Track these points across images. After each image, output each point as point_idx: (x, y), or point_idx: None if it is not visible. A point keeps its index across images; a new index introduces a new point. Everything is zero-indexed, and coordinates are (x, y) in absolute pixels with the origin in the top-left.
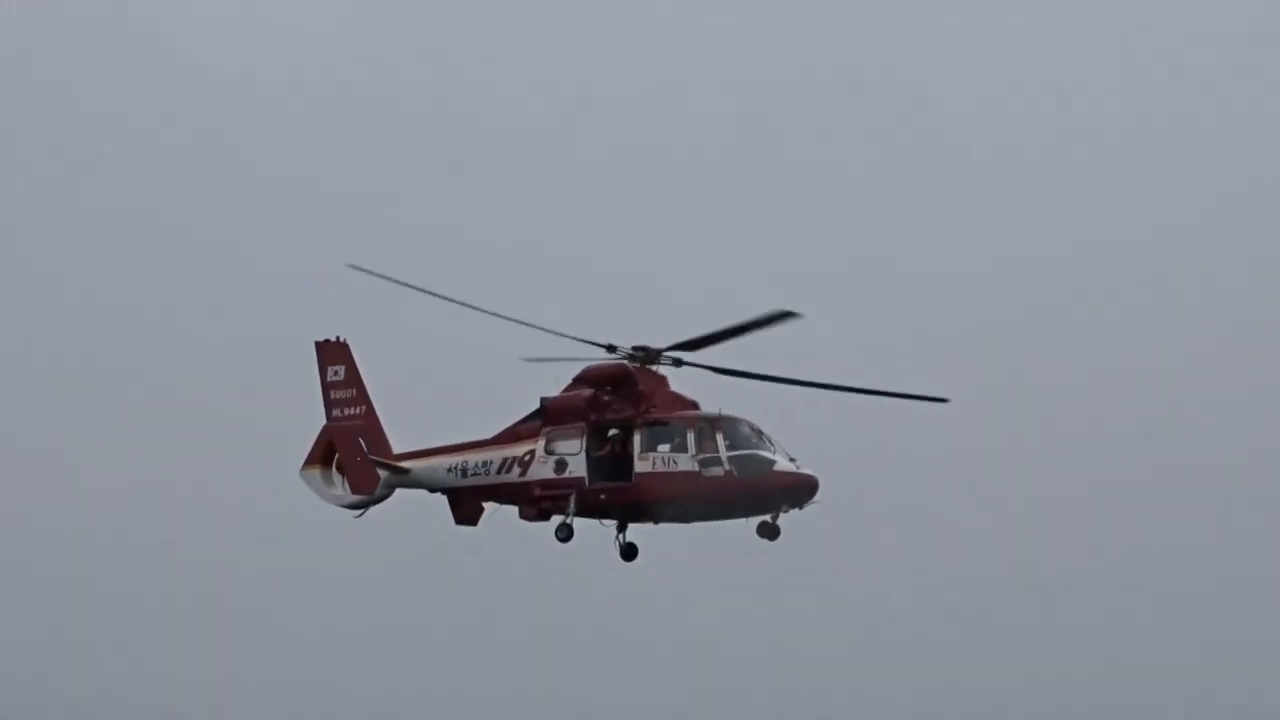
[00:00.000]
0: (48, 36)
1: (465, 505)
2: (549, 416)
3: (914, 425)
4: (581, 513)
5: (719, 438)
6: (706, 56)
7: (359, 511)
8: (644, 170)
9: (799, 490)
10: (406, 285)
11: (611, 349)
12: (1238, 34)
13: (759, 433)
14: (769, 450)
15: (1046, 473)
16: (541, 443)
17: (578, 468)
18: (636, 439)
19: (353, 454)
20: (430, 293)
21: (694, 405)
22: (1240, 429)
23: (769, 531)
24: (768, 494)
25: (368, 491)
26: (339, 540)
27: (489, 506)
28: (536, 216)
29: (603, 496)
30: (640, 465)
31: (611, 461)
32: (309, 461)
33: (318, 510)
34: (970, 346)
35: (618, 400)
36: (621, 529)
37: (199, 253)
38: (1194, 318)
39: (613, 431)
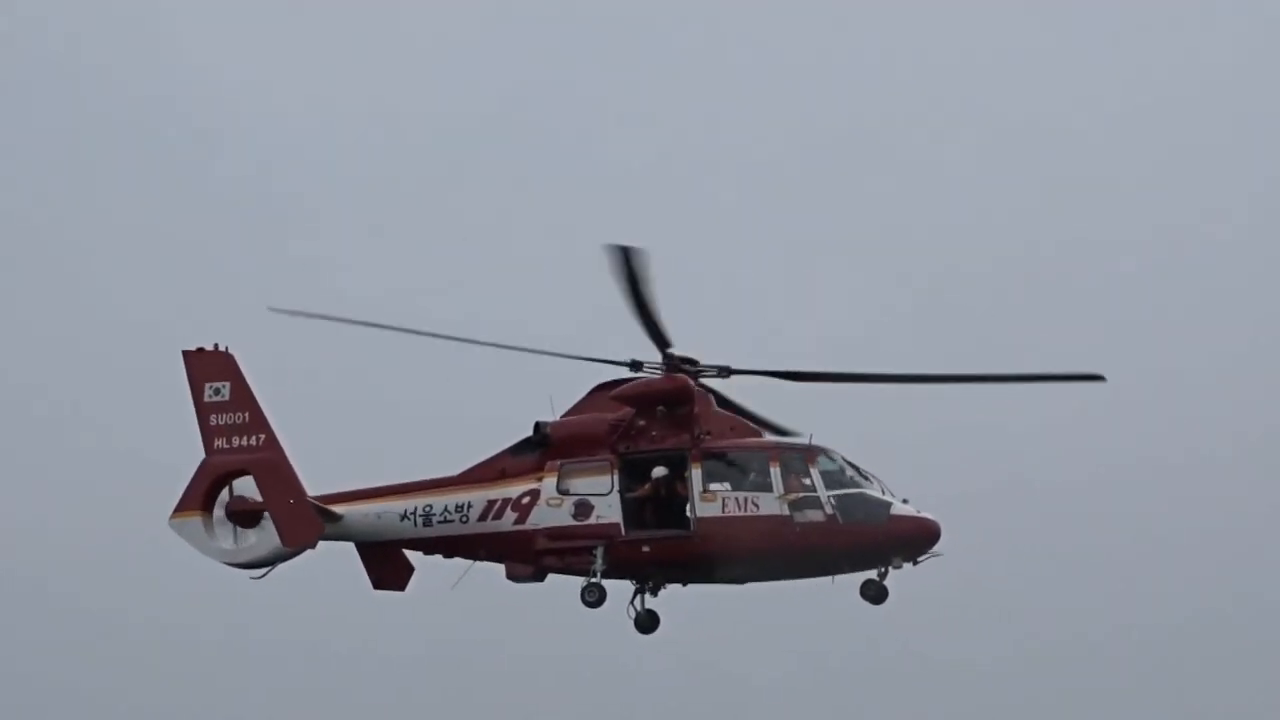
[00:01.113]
0: None
1: (392, 563)
2: (554, 447)
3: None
4: (613, 570)
5: (814, 472)
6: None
7: (262, 571)
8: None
9: (919, 540)
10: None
11: (636, 366)
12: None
13: (855, 466)
14: (875, 488)
15: None
16: (550, 480)
17: (608, 512)
18: (694, 475)
19: (284, 493)
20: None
21: (755, 431)
22: None
23: (877, 593)
24: (882, 545)
25: (306, 543)
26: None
27: (457, 564)
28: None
29: (646, 549)
30: (704, 508)
31: (658, 504)
32: (185, 507)
33: (199, 569)
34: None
35: (658, 425)
36: (642, 592)
37: None
38: None
39: (659, 468)
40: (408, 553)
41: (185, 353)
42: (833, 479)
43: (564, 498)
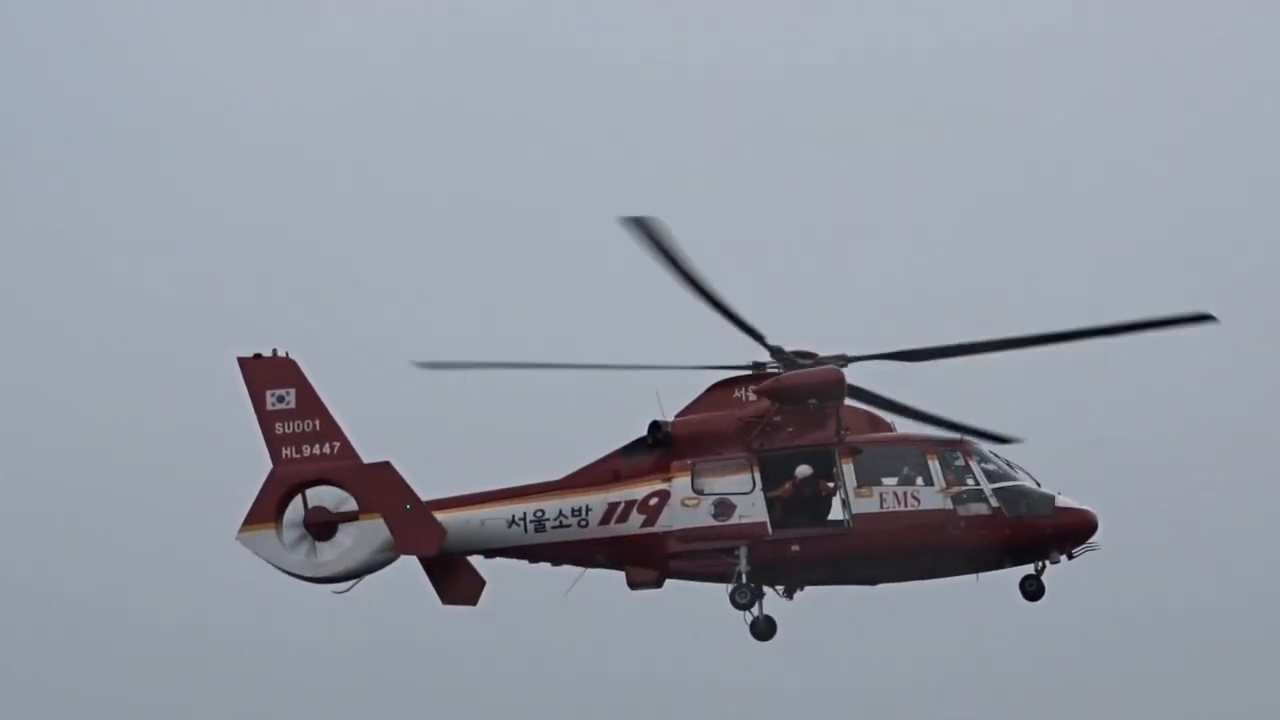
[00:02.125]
0: None
1: (463, 576)
2: (676, 447)
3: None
4: (758, 572)
5: (972, 465)
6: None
7: (348, 584)
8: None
9: (1082, 532)
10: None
11: (758, 367)
12: None
13: (1003, 458)
14: (1029, 480)
15: None
16: (682, 480)
17: (751, 511)
18: (846, 470)
19: (397, 499)
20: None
21: (888, 424)
22: None
23: (1036, 589)
24: (1049, 538)
25: (428, 551)
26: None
27: (569, 572)
28: None
29: (795, 548)
30: (860, 504)
31: (804, 502)
32: (256, 519)
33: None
34: None
35: (796, 421)
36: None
37: None
38: None
39: (804, 465)
40: (491, 562)
41: (242, 359)
42: (990, 472)
43: (701, 497)
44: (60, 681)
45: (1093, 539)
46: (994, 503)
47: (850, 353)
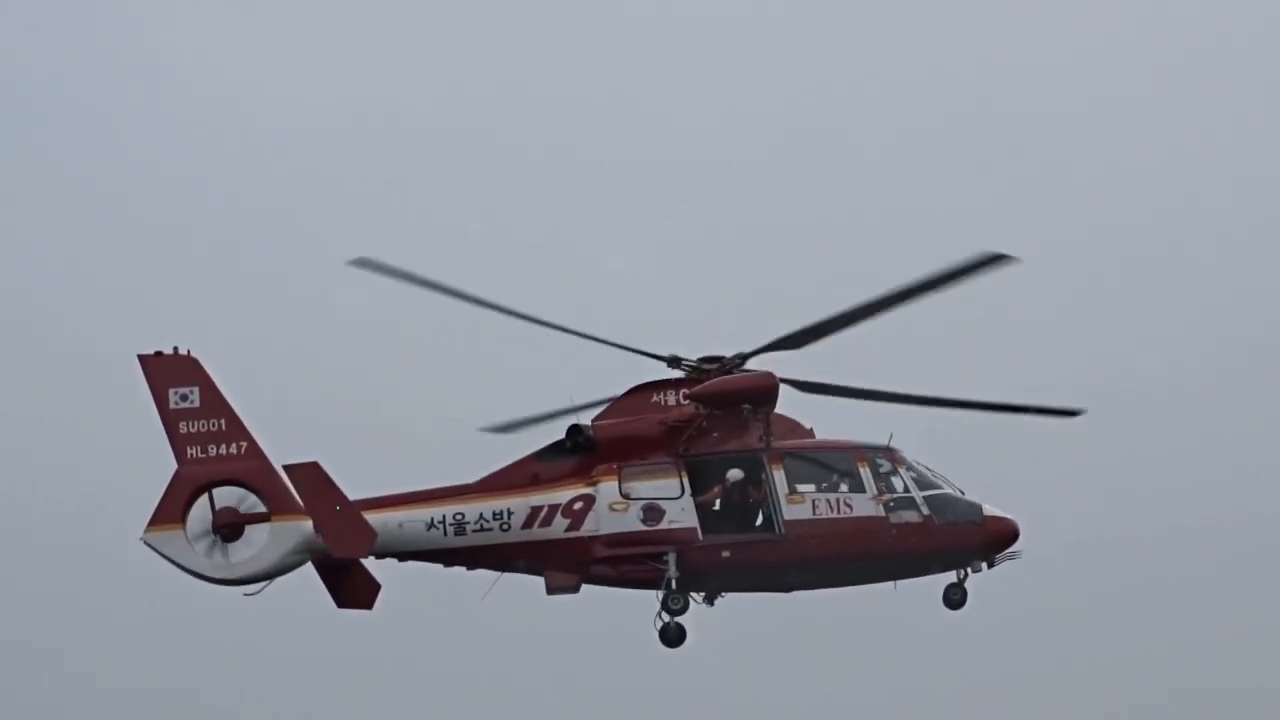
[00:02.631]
0: None
1: (358, 580)
2: (600, 449)
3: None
4: (687, 580)
5: (902, 472)
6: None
7: (259, 586)
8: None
9: (1006, 540)
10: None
11: (675, 362)
12: None
13: (928, 467)
14: (955, 489)
15: None
16: (608, 484)
17: (681, 516)
18: (777, 476)
19: (328, 500)
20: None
21: (810, 432)
22: None
23: (961, 598)
24: (976, 545)
25: (359, 553)
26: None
27: (478, 576)
28: None
29: (726, 554)
30: (791, 510)
31: (737, 507)
32: (163, 520)
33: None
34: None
35: (723, 426)
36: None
37: None
38: None
39: (735, 470)
40: (371, 567)
41: (142, 357)
42: (919, 480)
43: (629, 502)
44: None
45: (1014, 547)
46: (925, 510)
47: (744, 350)
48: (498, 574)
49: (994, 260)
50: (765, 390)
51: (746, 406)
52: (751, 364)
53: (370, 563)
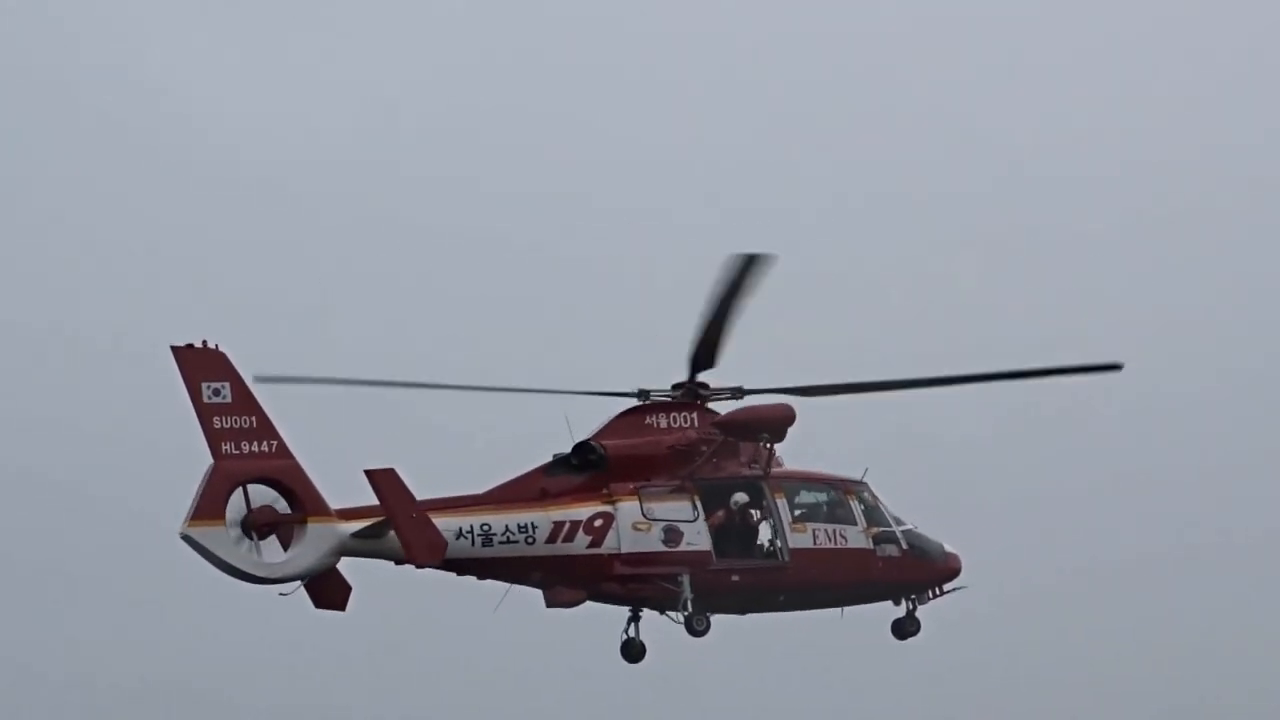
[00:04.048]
0: None
1: (333, 582)
2: (612, 469)
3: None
4: (698, 602)
5: (881, 507)
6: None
7: (295, 585)
8: None
9: (954, 573)
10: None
11: (644, 395)
12: None
13: None
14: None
15: None
16: (629, 504)
17: (697, 539)
18: (780, 505)
19: (408, 506)
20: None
21: (780, 460)
22: None
23: (916, 628)
24: (937, 578)
25: (434, 559)
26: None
27: (495, 587)
28: None
29: (735, 578)
30: (795, 539)
31: (744, 533)
32: (205, 515)
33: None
34: None
35: (727, 452)
36: (636, 619)
37: None
38: None
39: (737, 496)
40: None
41: (175, 348)
42: (893, 515)
43: (652, 523)
44: None
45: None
46: (904, 544)
47: (751, 386)
48: (507, 585)
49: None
50: (786, 420)
51: (764, 435)
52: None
53: (371, 568)
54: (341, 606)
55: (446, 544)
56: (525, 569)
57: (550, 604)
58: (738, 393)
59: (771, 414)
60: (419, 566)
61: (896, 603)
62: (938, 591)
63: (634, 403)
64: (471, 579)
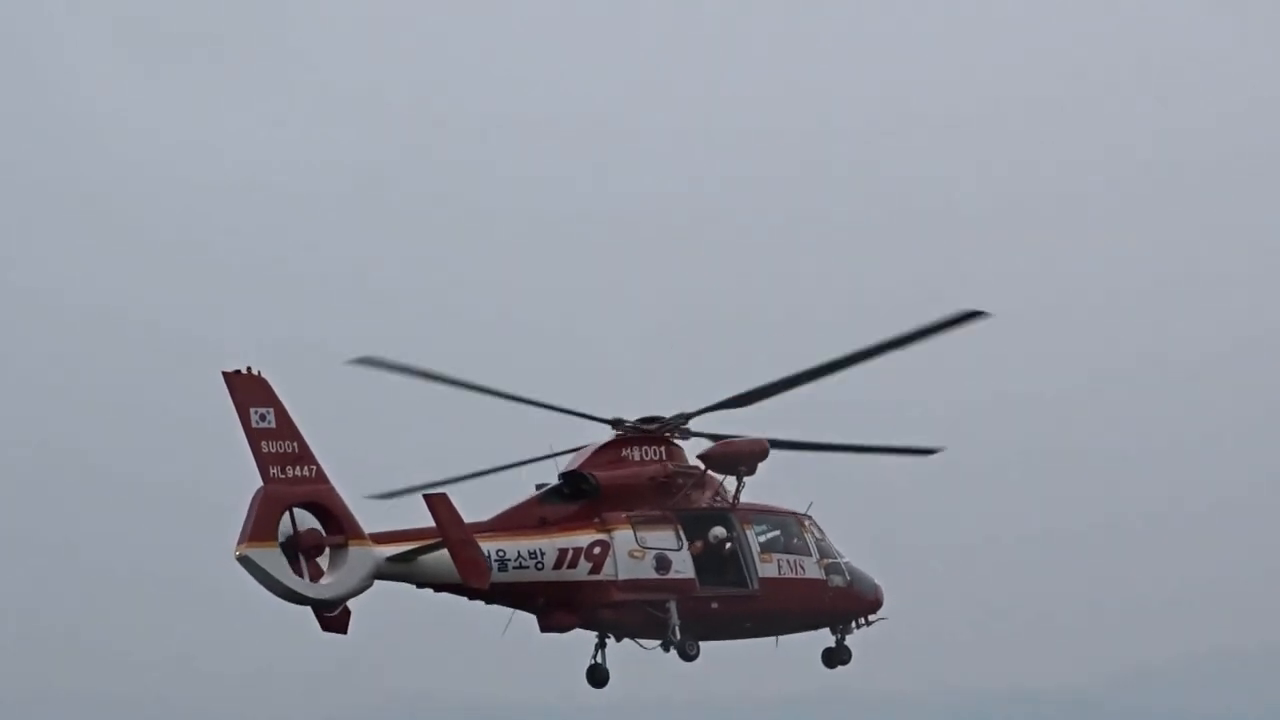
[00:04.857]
0: None
1: (341, 608)
2: (604, 498)
3: None
4: (680, 626)
5: (827, 539)
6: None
7: (338, 609)
8: None
9: (879, 604)
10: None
11: (618, 424)
12: None
13: None
14: None
15: None
16: (624, 532)
17: (683, 567)
18: (750, 536)
19: (462, 530)
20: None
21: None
22: None
23: (847, 656)
24: (867, 608)
25: (483, 583)
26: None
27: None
28: None
29: (714, 605)
30: (764, 569)
31: (720, 562)
32: (259, 537)
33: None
34: None
35: (699, 484)
36: (603, 646)
37: None
38: None
39: (714, 527)
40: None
41: (226, 374)
42: (835, 548)
43: (645, 550)
44: None
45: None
46: (848, 576)
47: (687, 409)
48: (512, 611)
49: (968, 317)
50: (763, 454)
51: (742, 469)
52: (695, 423)
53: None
54: (344, 630)
55: (490, 568)
56: (532, 594)
57: (545, 629)
58: (682, 418)
59: (751, 449)
60: (470, 589)
61: (834, 631)
62: (864, 621)
63: (608, 431)
64: (472, 603)
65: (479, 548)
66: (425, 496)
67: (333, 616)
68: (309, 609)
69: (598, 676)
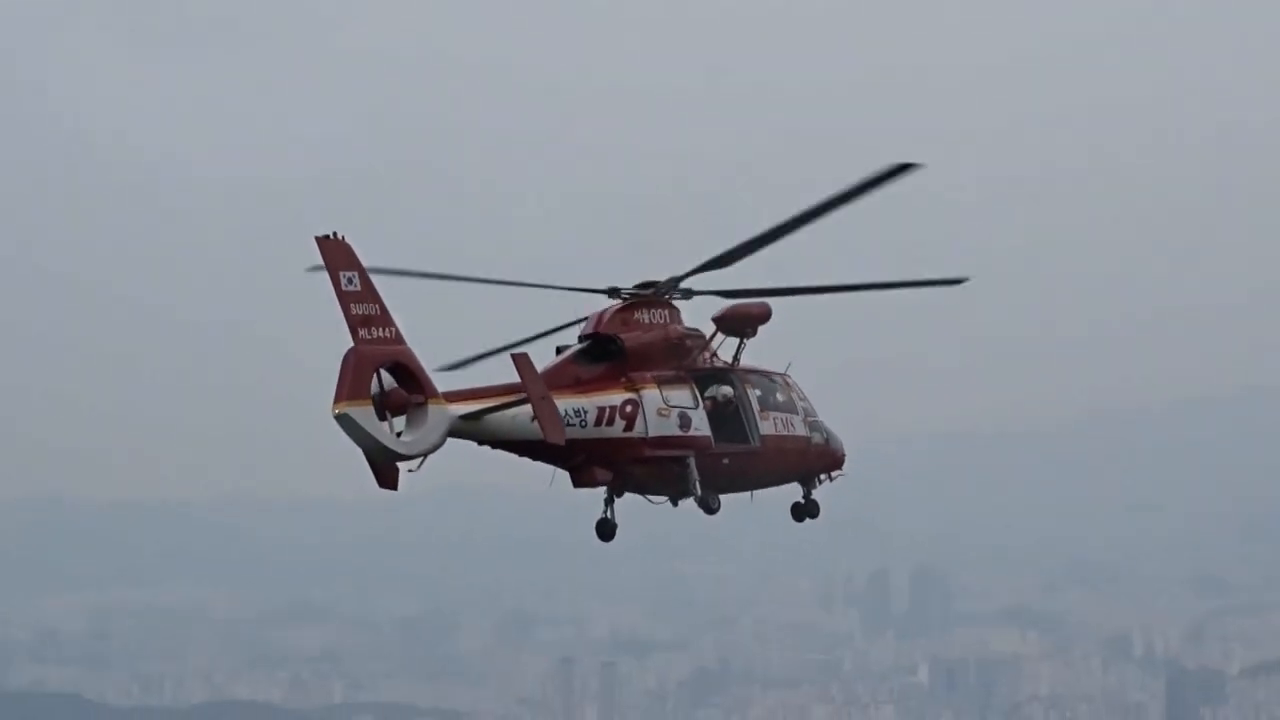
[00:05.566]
0: None
1: (392, 465)
2: (630, 360)
3: None
4: (699, 481)
5: (808, 399)
6: None
7: (419, 462)
8: None
9: (843, 461)
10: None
11: (614, 293)
12: None
13: None
14: None
15: None
16: (652, 392)
17: (701, 425)
18: (751, 395)
19: (541, 386)
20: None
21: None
22: None
23: (815, 510)
24: (835, 464)
25: (561, 439)
26: None
27: (543, 470)
28: None
29: (726, 461)
30: (763, 425)
31: (728, 419)
32: (354, 395)
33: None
34: None
35: (702, 346)
36: (612, 501)
37: None
38: None
39: (721, 386)
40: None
41: (319, 239)
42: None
43: (671, 409)
44: None
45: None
46: (825, 433)
47: (676, 273)
48: (554, 468)
49: (900, 170)
50: (767, 317)
51: (749, 330)
52: (687, 284)
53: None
54: (395, 486)
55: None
56: (571, 451)
57: (578, 484)
58: (673, 282)
59: (760, 311)
60: (549, 445)
61: (804, 484)
62: (828, 477)
63: (604, 300)
64: (535, 460)
65: (556, 405)
66: (512, 355)
67: (388, 474)
68: (368, 466)
69: (607, 530)
